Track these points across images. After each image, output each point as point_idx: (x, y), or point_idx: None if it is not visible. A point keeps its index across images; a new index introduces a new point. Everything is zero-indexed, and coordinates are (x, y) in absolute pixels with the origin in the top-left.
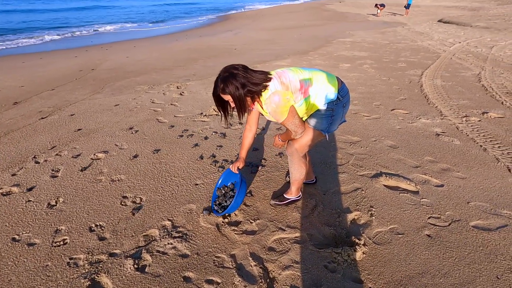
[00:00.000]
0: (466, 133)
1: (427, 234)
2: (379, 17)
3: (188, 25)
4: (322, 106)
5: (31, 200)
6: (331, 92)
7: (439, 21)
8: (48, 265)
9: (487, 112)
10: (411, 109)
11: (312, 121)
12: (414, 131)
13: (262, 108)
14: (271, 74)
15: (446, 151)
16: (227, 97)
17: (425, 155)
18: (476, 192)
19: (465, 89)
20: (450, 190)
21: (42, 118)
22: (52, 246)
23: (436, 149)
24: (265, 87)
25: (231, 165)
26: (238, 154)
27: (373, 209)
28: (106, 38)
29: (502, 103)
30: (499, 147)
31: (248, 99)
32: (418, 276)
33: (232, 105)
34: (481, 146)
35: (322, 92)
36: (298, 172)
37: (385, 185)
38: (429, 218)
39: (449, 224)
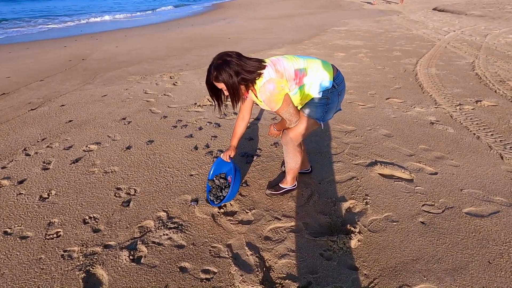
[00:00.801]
0: (460, 121)
1: (421, 221)
2: (374, 5)
3: (180, 14)
4: (317, 94)
5: (22, 193)
6: (326, 80)
7: (434, 9)
8: (41, 258)
9: (480, 101)
10: (406, 98)
11: (307, 110)
12: (409, 119)
13: (256, 96)
14: (265, 62)
15: (440, 139)
16: (221, 85)
17: (420, 144)
18: (469, 180)
19: (459, 78)
20: (444, 177)
21: (32, 109)
22: (45, 239)
23: (430, 138)
24: (259, 75)
25: (221, 154)
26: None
27: (368, 198)
28: (96, 27)
29: (495, 91)
30: (492, 135)
31: (242, 87)
32: (412, 262)
33: (226, 93)
34: (474, 134)
35: (317, 80)
36: (293, 161)
37: (380, 174)
38: (423, 205)
39: (443, 211)
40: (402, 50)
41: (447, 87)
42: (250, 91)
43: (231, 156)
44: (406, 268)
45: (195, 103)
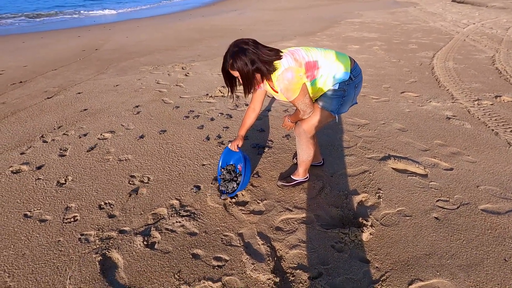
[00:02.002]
0: (478, 117)
1: (435, 217)
2: None
3: (191, 5)
4: (333, 86)
5: (40, 178)
6: (343, 72)
7: (453, 1)
8: (60, 240)
9: (500, 96)
10: (422, 92)
11: (322, 102)
12: (424, 114)
13: (271, 87)
14: (282, 52)
15: (456, 134)
16: (236, 73)
17: (435, 139)
18: (486, 176)
19: (478, 72)
20: (460, 173)
21: (48, 98)
22: (63, 222)
23: (446, 133)
24: (275, 69)
25: (229, 144)
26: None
27: (381, 192)
28: (109, 17)
29: None
30: (511, 131)
31: (258, 76)
32: (425, 257)
33: (241, 81)
34: (492, 130)
35: (334, 71)
36: (305, 153)
37: (393, 168)
38: (437, 201)
39: (458, 207)
40: (418, 43)
41: (465, 82)
42: (264, 81)
43: (239, 146)
44: (419, 263)
45: (207, 94)
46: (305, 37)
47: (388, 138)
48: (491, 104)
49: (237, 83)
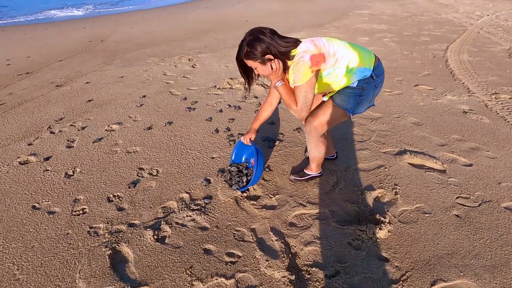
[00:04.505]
0: (496, 111)
1: (455, 214)
2: None
3: None
4: (352, 82)
5: (48, 170)
6: (364, 68)
7: None
8: (69, 233)
9: None
10: (436, 85)
11: (338, 99)
12: (439, 108)
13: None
14: (300, 41)
15: (474, 129)
16: (250, 63)
17: (452, 133)
18: (508, 173)
19: (494, 65)
20: (480, 170)
21: (57, 86)
22: (71, 215)
23: (464, 127)
24: (291, 59)
25: (242, 137)
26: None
27: (398, 187)
28: (113, 9)
29: None
30: None
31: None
32: (447, 256)
33: (256, 72)
34: None
35: (354, 64)
36: (316, 151)
37: (409, 163)
38: (457, 198)
39: (479, 205)
40: (431, 35)
41: (481, 75)
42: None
43: (252, 139)
44: (441, 262)
45: (215, 86)
46: (314, 29)
47: (403, 132)
48: (510, 98)
49: (253, 74)
